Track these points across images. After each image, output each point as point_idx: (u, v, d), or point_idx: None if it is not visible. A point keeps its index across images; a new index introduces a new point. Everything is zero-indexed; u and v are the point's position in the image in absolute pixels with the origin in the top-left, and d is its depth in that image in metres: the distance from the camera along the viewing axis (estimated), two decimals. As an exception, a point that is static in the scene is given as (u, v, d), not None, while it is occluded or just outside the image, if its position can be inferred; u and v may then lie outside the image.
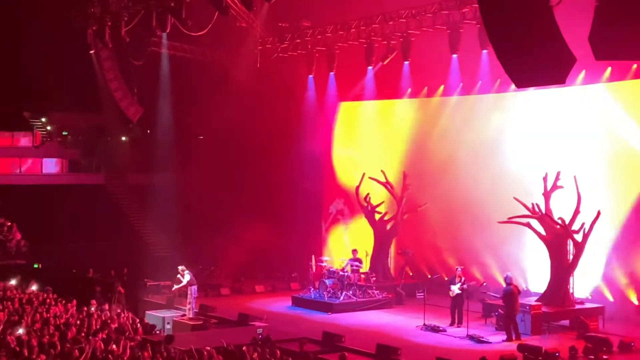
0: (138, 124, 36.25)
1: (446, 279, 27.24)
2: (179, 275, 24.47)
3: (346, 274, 25.85)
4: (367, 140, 31.99)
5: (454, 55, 26.75)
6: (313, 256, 27.77)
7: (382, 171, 29.62)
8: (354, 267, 26.24)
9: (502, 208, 24.39)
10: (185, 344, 17.65)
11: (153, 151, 36.67)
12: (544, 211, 23.15)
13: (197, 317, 24.00)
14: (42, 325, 19.35)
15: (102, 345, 17.06)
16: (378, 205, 29.28)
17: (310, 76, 31.73)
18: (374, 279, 26.78)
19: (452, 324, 22.51)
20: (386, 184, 29.27)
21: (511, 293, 21.21)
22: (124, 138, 41.99)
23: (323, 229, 32.99)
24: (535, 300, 22.44)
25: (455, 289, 22.67)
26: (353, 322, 23.65)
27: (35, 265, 31.27)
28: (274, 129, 32.64)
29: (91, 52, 31.14)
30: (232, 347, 16.37)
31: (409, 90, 29.93)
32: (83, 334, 18.25)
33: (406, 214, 28.90)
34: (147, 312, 25.34)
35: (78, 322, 20.02)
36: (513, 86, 23.08)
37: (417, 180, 28.96)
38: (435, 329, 22.10)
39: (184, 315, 24.13)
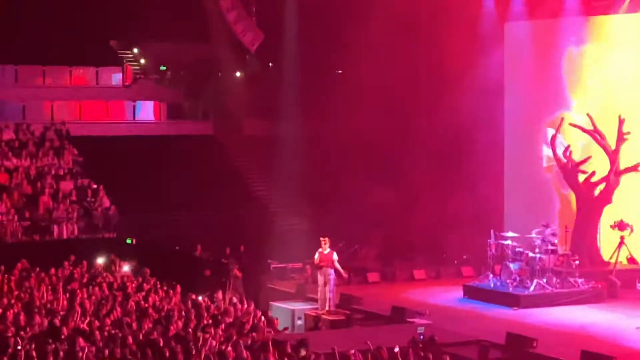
0: (257, 55, 36.75)
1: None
2: (320, 250, 24.63)
3: (538, 255, 25.54)
4: (567, 70, 31.38)
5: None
6: (492, 231, 27.52)
7: (588, 115, 29.02)
8: (550, 247, 25.87)
9: None
10: (322, 345, 17.88)
11: (276, 91, 37.11)
12: None
13: (337, 310, 24.29)
14: (138, 317, 20.06)
15: (215, 344, 17.53)
16: (583, 162, 28.70)
17: (489, -13, 31.44)
18: (577, 262, 26.33)
19: None
20: (594, 133, 28.61)
21: None
22: (238, 74, 42.68)
23: (506, 192, 32.57)
24: None
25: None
26: (548, 320, 23.48)
27: (128, 241, 32.38)
28: (437, 60, 32.35)
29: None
30: (384, 351, 16.47)
31: (627, 1, 29.12)
32: (190, 330, 18.80)
33: (622, 174, 28.16)
34: (271, 302, 25.82)
35: (183, 314, 20.63)
36: None
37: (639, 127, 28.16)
38: (664, 333, 21.56)
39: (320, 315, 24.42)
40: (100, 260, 28.95)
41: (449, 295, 26.94)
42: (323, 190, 33.99)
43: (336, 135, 34.26)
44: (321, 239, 24.75)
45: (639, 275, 26.58)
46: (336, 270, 24.54)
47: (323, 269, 24.47)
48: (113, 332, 18.58)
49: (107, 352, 16.58)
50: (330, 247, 24.72)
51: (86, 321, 19.56)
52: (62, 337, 17.86)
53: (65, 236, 33.31)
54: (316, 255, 24.63)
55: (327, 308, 24.22)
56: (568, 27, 31.04)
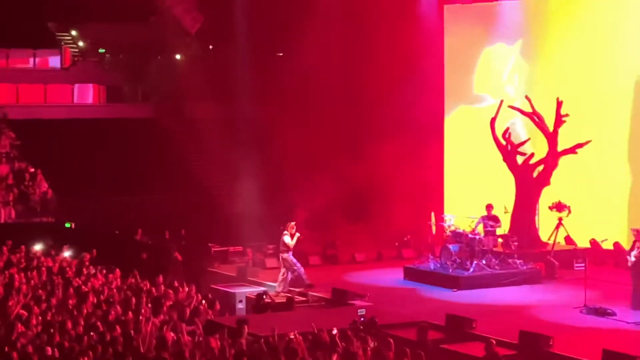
0: (197, 37, 36.51)
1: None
2: (298, 234, 24.87)
3: (478, 237, 25.77)
4: (501, 54, 31.64)
5: None
6: (432, 213, 27.68)
7: (526, 97, 29.24)
8: (489, 228, 26.11)
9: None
10: (263, 327, 17.92)
11: (217, 74, 36.93)
12: None
13: (279, 292, 24.45)
14: (77, 302, 19.94)
15: (155, 328, 17.48)
16: (522, 144, 28.95)
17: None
18: (516, 244, 26.59)
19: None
20: (532, 115, 28.85)
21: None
22: (179, 56, 42.44)
23: (446, 174, 32.81)
24: None
25: (632, 256, 22.21)
26: (487, 301, 23.64)
27: (67, 225, 32.14)
28: (378, 42, 32.44)
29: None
30: (325, 333, 16.54)
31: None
32: (130, 314, 18.73)
33: (561, 156, 28.43)
34: (212, 286, 25.81)
35: (123, 298, 20.54)
36: None
37: (576, 110, 28.38)
38: (600, 312, 21.77)
39: (266, 291, 24.50)
40: (39, 246, 28.73)
41: (390, 277, 26.98)
42: (264, 173, 33.95)
43: (277, 119, 34.23)
44: (292, 223, 24.92)
45: (577, 255, 26.85)
46: None
47: (291, 252, 24.88)
48: (52, 317, 18.45)
49: (45, 337, 16.44)
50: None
51: (24, 306, 19.40)
52: None
53: (2, 220, 33.01)
54: (292, 239, 24.77)
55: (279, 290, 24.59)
56: (506, 10, 31.24)
